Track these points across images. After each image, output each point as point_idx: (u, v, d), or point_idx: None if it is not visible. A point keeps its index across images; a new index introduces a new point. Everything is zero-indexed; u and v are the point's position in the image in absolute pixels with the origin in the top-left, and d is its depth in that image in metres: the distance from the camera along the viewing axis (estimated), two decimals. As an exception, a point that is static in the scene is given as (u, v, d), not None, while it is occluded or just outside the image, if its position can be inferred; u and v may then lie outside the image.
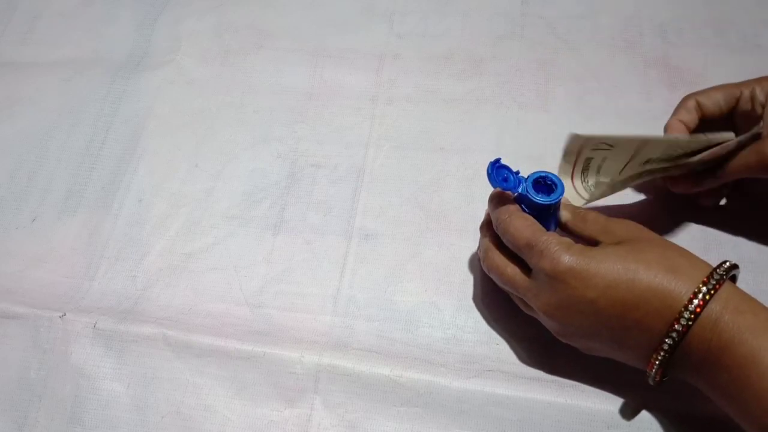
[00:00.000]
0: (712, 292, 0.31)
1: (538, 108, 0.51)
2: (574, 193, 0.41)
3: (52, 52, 0.60)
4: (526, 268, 0.37)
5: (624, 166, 0.39)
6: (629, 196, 0.46)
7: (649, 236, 0.35)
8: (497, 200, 0.39)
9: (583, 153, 0.39)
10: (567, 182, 0.40)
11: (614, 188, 0.41)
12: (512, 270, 0.37)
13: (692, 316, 0.30)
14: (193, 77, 0.56)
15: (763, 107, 0.39)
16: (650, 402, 0.38)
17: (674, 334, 0.31)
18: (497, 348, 0.41)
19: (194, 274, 0.46)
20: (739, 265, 0.34)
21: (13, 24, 0.63)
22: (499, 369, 0.40)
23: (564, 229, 0.39)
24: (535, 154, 0.49)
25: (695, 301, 0.30)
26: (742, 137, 0.38)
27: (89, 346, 0.43)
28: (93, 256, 0.48)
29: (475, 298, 0.44)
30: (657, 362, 0.32)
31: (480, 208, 0.47)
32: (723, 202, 0.45)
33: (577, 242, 0.35)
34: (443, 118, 0.52)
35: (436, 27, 0.56)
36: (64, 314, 0.44)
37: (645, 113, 0.50)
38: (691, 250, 0.34)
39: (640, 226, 0.36)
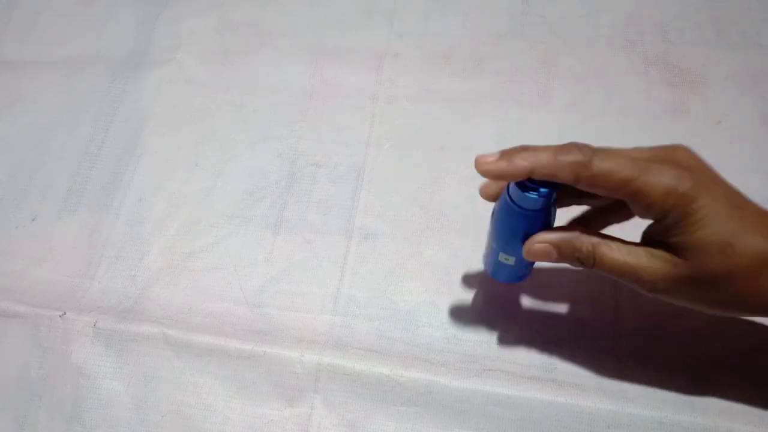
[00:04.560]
0: None
1: (538, 107, 0.51)
2: None
3: (52, 50, 0.60)
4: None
5: None
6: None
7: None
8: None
9: None
10: None
11: None
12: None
13: None
14: (193, 76, 0.56)
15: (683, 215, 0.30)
16: (651, 401, 0.38)
17: None
18: (497, 348, 0.41)
19: (194, 274, 0.46)
20: None
21: (14, 22, 0.63)
22: (499, 369, 0.40)
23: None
24: (536, 154, 0.48)
25: None
26: None
27: (89, 345, 0.43)
28: (93, 255, 0.48)
29: (475, 298, 0.44)
30: None
31: (480, 207, 0.47)
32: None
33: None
34: (444, 117, 0.51)
35: (437, 26, 0.56)
36: (65, 313, 0.44)
37: (645, 112, 0.50)
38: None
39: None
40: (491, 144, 0.49)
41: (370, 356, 0.41)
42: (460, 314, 0.43)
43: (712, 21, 0.53)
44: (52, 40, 0.61)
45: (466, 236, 0.46)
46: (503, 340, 0.42)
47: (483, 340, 0.42)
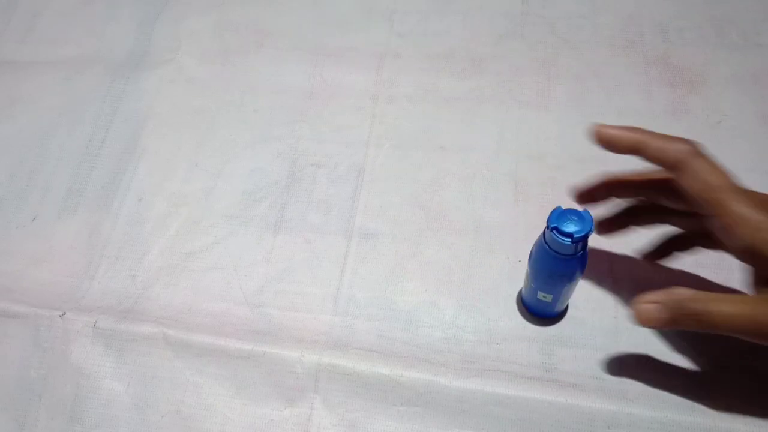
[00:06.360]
0: None
1: (538, 107, 0.51)
2: None
3: (52, 50, 0.60)
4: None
5: None
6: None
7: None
8: None
9: None
10: None
11: None
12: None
13: None
14: (193, 76, 0.56)
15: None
16: (651, 401, 0.38)
17: None
18: (497, 348, 0.41)
19: (194, 274, 0.46)
20: None
21: (14, 23, 0.63)
22: (499, 369, 0.40)
23: None
24: (536, 153, 0.49)
25: None
26: None
27: (89, 345, 0.43)
28: (93, 255, 0.48)
29: (475, 298, 0.43)
30: None
31: (480, 207, 0.47)
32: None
33: None
34: (444, 117, 0.51)
35: (437, 26, 0.56)
36: (64, 313, 0.44)
37: (645, 112, 0.50)
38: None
39: None
40: (491, 144, 0.50)
41: (370, 356, 0.41)
42: (460, 314, 0.43)
43: (712, 21, 0.53)
44: (51, 40, 0.61)
45: (466, 236, 0.46)
46: (503, 340, 0.42)
47: (483, 340, 0.42)
